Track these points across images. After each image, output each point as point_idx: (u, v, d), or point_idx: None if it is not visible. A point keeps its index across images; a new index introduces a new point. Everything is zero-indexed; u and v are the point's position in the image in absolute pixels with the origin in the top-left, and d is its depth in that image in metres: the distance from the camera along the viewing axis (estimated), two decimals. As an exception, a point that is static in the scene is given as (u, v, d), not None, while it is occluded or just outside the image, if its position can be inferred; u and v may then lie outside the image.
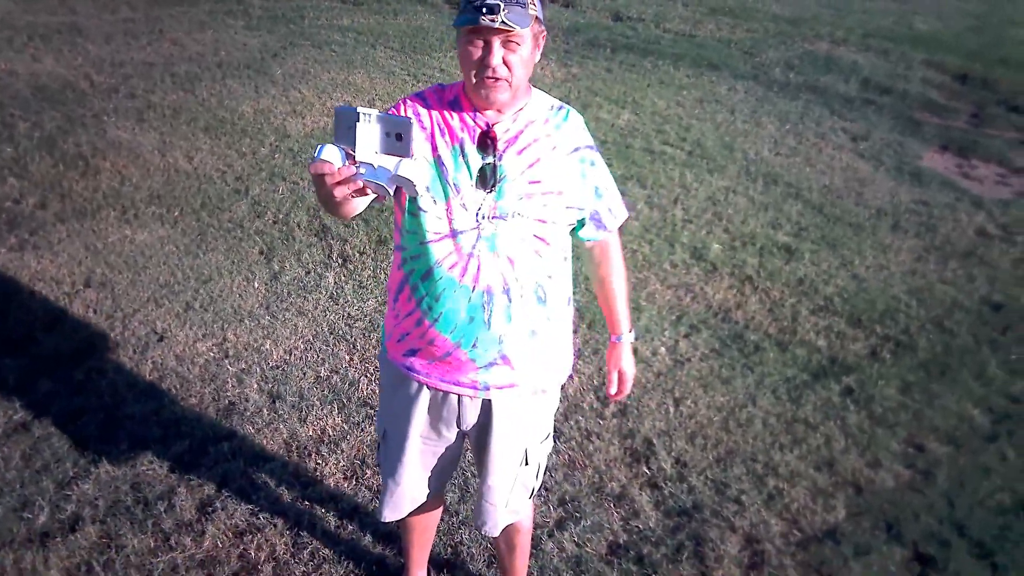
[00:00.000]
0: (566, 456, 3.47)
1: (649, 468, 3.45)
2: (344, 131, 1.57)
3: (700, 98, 8.50)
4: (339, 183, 1.57)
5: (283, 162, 5.99)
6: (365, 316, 4.31)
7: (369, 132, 1.56)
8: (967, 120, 8.83)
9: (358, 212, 1.95)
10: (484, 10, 1.78)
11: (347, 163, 1.59)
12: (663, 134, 7.30)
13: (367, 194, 1.63)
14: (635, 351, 4.14)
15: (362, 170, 1.57)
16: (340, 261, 4.80)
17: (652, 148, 6.92)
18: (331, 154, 1.58)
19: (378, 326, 4.23)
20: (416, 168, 1.59)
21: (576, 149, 2.04)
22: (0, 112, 6.45)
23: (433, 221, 1.97)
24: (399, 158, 1.58)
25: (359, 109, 1.55)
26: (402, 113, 1.96)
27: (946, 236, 5.85)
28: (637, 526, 3.17)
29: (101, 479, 3.16)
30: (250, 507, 3.09)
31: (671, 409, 3.82)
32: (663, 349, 4.26)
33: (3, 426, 3.37)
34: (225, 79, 7.67)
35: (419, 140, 1.91)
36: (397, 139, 1.56)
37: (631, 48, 10.19)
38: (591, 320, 4.36)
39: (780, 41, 11.17)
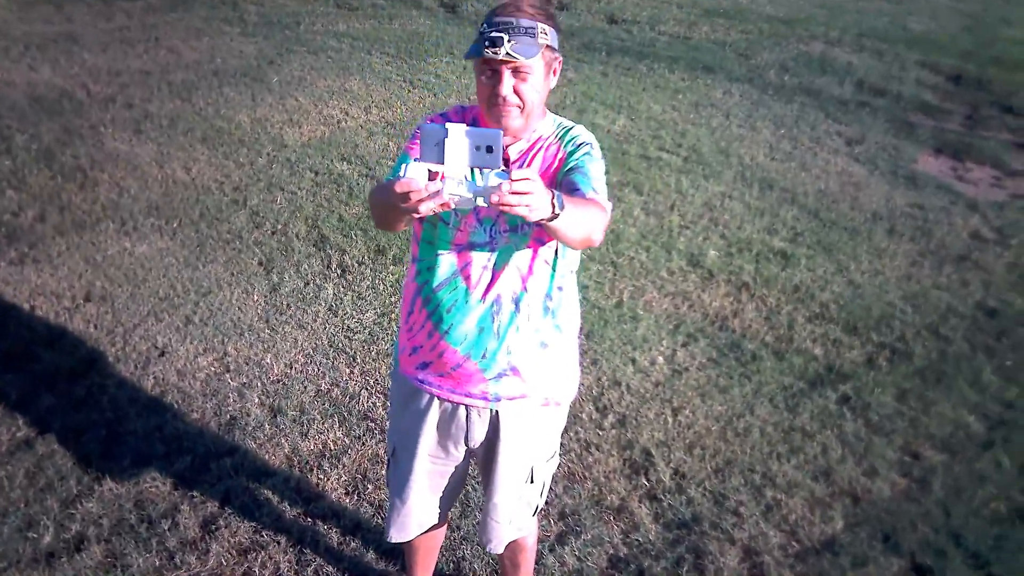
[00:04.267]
0: (565, 468, 3.50)
1: (648, 480, 3.48)
2: (430, 148, 1.59)
3: (695, 102, 8.53)
4: (424, 200, 1.58)
5: (280, 172, 6.01)
6: (364, 328, 4.34)
7: (458, 147, 1.57)
8: (961, 122, 8.87)
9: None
10: (487, 43, 1.84)
11: (431, 180, 1.60)
12: (659, 139, 7.33)
13: (449, 208, 1.63)
14: (633, 361, 4.22)
15: (449, 185, 1.58)
16: (339, 272, 4.82)
17: (648, 154, 6.95)
18: (416, 172, 1.60)
19: (377, 338, 4.26)
20: (504, 177, 1.59)
21: (579, 146, 2.07)
22: (-3, 123, 6.47)
23: (451, 232, 2.04)
24: (488, 170, 1.60)
25: (447, 125, 1.57)
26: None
27: (941, 240, 5.89)
28: (637, 539, 3.20)
29: (105, 497, 3.18)
30: (253, 524, 3.12)
31: (669, 419, 3.85)
32: (661, 359, 4.28)
33: (7, 444, 3.40)
34: (222, 87, 7.69)
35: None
36: (487, 151, 1.58)
37: (626, 51, 10.22)
38: (588, 330, 4.39)
39: (775, 42, 11.20)
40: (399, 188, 1.58)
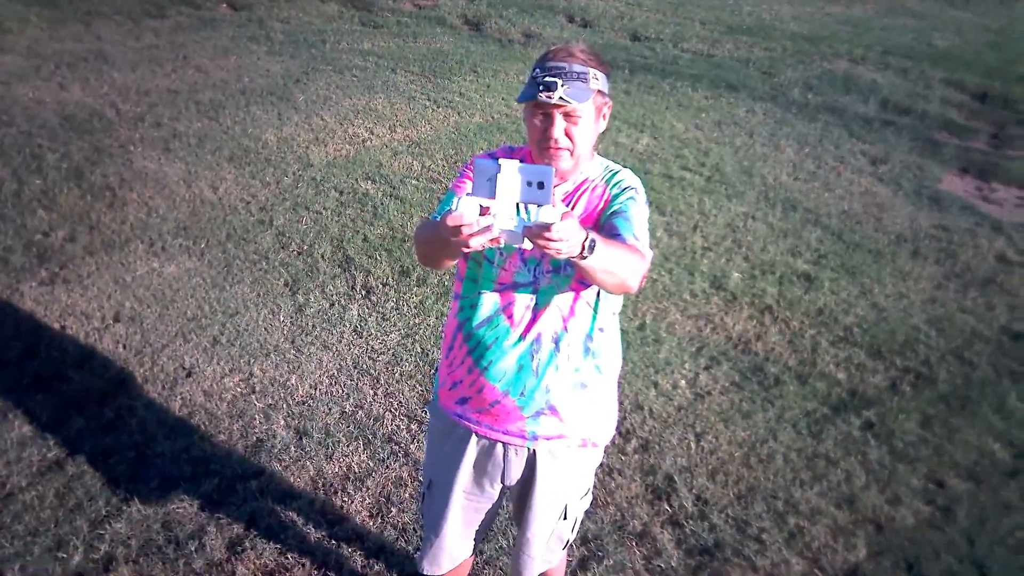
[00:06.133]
0: (588, 493, 3.51)
1: (671, 506, 3.49)
2: (482, 183, 1.63)
3: (719, 121, 8.54)
4: (475, 234, 1.62)
5: (306, 192, 6.07)
6: (388, 350, 4.37)
7: (510, 182, 1.62)
8: (987, 141, 8.83)
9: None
10: (541, 87, 1.90)
11: (482, 215, 1.65)
12: (682, 159, 7.34)
13: (498, 244, 1.67)
14: (655, 384, 4.22)
15: (499, 220, 1.63)
16: (363, 293, 4.86)
17: (671, 174, 6.96)
18: (467, 207, 1.64)
19: (401, 359, 4.29)
20: (555, 213, 1.62)
21: (624, 190, 2.11)
22: (29, 142, 6.56)
23: (495, 271, 2.09)
24: (537, 206, 1.64)
25: (500, 161, 1.62)
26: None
27: (966, 263, 5.86)
28: (659, 565, 3.21)
29: (133, 518, 3.22)
30: (278, 546, 3.15)
31: (692, 444, 3.85)
32: (683, 382, 4.29)
33: (37, 464, 3.45)
34: (249, 106, 7.77)
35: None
36: (539, 187, 1.62)
37: (649, 69, 10.25)
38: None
39: (798, 60, 11.19)
40: (450, 221, 1.62)
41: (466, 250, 1.67)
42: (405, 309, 4.73)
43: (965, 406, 4.30)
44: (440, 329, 4.55)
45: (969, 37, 13.58)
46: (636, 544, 3.30)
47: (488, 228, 1.62)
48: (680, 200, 6.44)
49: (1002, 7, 16.63)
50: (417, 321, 4.62)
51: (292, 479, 3.49)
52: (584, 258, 1.70)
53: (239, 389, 4.01)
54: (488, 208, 1.65)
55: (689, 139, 7.89)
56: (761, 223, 6.20)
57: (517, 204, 1.65)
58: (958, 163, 7.98)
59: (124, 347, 4.23)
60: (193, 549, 3.10)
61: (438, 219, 1.95)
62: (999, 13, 16.04)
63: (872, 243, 6.04)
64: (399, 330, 4.54)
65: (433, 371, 4.20)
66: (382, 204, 5.94)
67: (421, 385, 4.11)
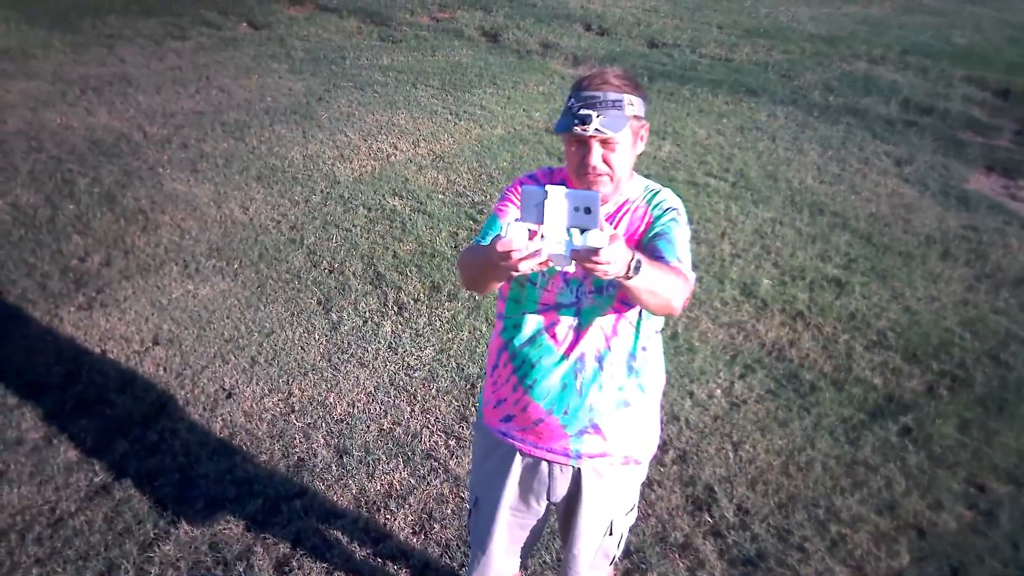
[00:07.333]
0: (629, 505, 3.53)
1: (712, 516, 3.50)
2: (530, 208, 1.67)
3: (740, 126, 8.54)
4: (524, 259, 1.66)
5: (334, 209, 6.12)
6: (423, 366, 4.41)
7: (558, 208, 1.65)
8: (1011, 138, 8.78)
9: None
10: (576, 120, 1.92)
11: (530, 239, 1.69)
12: (706, 165, 7.35)
13: (547, 267, 1.71)
14: (691, 394, 4.23)
15: (548, 245, 1.67)
16: (396, 309, 4.90)
17: (696, 180, 6.97)
18: (516, 232, 1.67)
19: (436, 375, 4.33)
20: (603, 237, 1.65)
21: (665, 211, 2.14)
22: (60, 168, 6.65)
23: (538, 292, 2.12)
24: (584, 230, 1.66)
25: (547, 187, 1.65)
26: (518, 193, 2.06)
27: (997, 263, 5.84)
28: (703, 576, 3.22)
29: (181, 540, 3.27)
30: (325, 565, 3.19)
31: (730, 454, 3.86)
32: (719, 392, 4.30)
33: (85, 489, 3.50)
34: (273, 125, 7.84)
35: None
36: (586, 212, 1.65)
37: (668, 76, 10.26)
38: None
39: (817, 62, 11.16)
40: (500, 247, 1.65)
41: (515, 273, 1.71)
42: (438, 324, 4.76)
43: (1003, 408, 4.29)
44: (473, 344, 4.58)
45: (989, 33, 13.49)
46: (679, 556, 3.31)
47: (537, 252, 1.66)
48: (706, 207, 6.45)
49: (1022, 1, 16.52)
50: (450, 336, 4.65)
51: (335, 498, 3.53)
52: (629, 278, 1.73)
53: (278, 409, 4.05)
54: (535, 232, 1.68)
55: (712, 145, 7.90)
56: (789, 228, 6.19)
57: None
58: (983, 161, 7.94)
59: (164, 370, 4.29)
60: (241, 570, 3.15)
61: (484, 243, 1.98)
62: (1019, 8, 15.92)
63: (901, 245, 6.02)
64: (433, 346, 4.58)
65: (469, 387, 4.23)
66: (410, 220, 5.98)
67: (457, 401, 4.14)
